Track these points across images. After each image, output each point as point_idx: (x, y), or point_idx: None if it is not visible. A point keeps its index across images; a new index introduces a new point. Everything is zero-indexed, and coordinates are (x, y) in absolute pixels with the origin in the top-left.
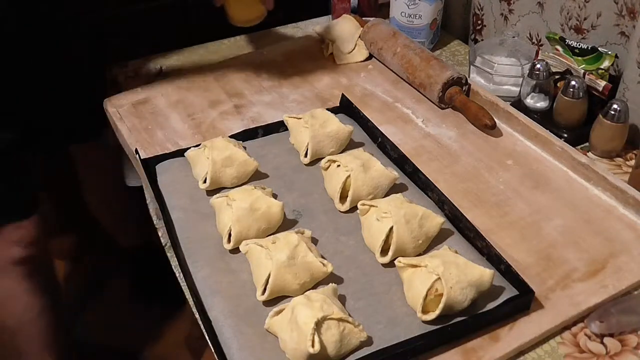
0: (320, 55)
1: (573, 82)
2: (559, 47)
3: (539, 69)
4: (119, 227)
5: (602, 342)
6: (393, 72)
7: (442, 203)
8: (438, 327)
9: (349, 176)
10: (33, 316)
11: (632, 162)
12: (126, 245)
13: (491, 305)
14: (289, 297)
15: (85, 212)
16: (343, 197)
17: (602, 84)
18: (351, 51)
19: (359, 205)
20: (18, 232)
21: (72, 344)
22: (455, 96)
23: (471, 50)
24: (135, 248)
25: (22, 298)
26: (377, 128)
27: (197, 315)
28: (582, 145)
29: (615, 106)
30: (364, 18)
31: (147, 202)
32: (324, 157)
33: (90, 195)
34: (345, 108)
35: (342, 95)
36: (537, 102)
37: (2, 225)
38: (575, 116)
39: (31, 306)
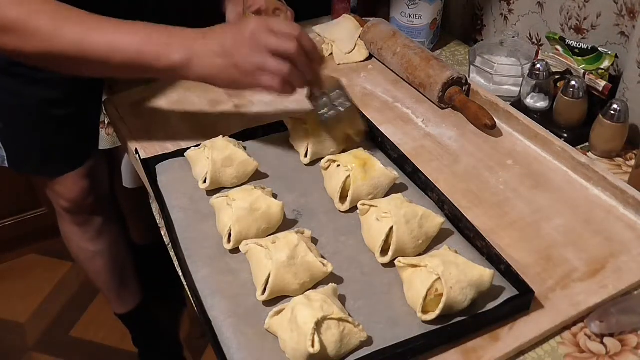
0: None
1: (573, 82)
2: (559, 47)
3: (539, 69)
4: (134, 221)
5: (602, 342)
6: (393, 72)
7: (442, 203)
8: (438, 327)
9: (348, 176)
10: (87, 258)
11: (632, 162)
12: (138, 241)
13: (491, 305)
14: (289, 297)
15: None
16: (343, 197)
17: (602, 84)
18: (351, 51)
19: (359, 205)
20: (60, 187)
21: (132, 288)
22: (455, 96)
23: (471, 50)
24: (146, 245)
25: (76, 241)
26: (377, 128)
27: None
28: (582, 145)
29: (615, 106)
30: (364, 18)
31: (150, 201)
32: (324, 157)
33: (118, 185)
34: None
35: None
36: (537, 102)
37: (48, 178)
38: (575, 116)
39: (83, 250)
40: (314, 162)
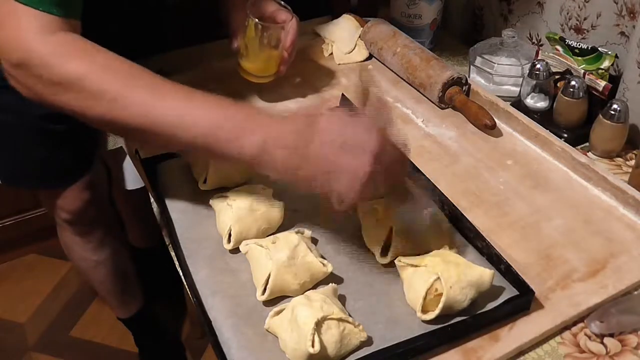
0: (320, 55)
1: (573, 82)
2: (559, 47)
3: (539, 69)
4: (133, 225)
5: (602, 342)
6: (393, 72)
7: (442, 203)
8: (438, 327)
9: None
10: (89, 267)
11: (632, 162)
12: (137, 244)
13: (491, 305)
14: (289, 297)
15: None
16: None
17: (602, 84)
18: (351, 51)
19: (359, 206)
20: (61, 200)
21: (134, 293)
22: (455, 96)
23: (471, 50)
24: (145, 248)
25: (77, 251)
26: None
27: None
28: (582, 145)
29: (615, 106)
30: (364, 18)
31: (151, 202)
32: None
33: (116, 189)
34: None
35: (342, 95)
36: (537, 102)
37: (46, 190)
38: (575, 116)
39: (85, 260)
40: None
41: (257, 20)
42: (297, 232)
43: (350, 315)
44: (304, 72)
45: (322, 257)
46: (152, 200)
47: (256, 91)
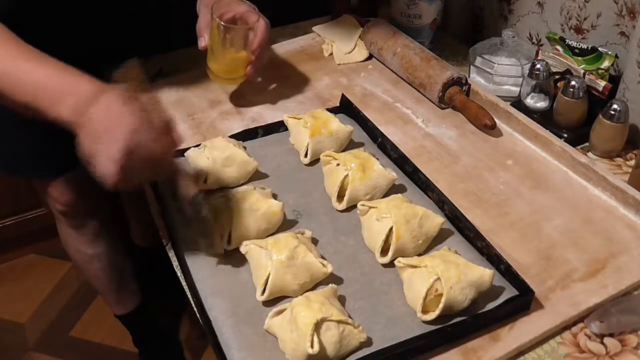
0: (320, 55)
1: (573, 82)
2: (559, 47)
3: (539, 69)
4: (136, 224)
5: (602, 342)
6: (393, 72)
7: (442, 203)
8: (438, 327)
9: (347, 175)
10: (84, 261)
11: (632, 162)
12: (140, 243)
13: (491, 305)
14: (288, 297)
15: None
16: (341, 196)
17: (602, 84)
18: (351, 51)
19: (359, 206)
20: (54, 191)
21: (131, 290)
22: (455, 96)
23: (471, 50)
24: (146, 247)
25: (73, 244)
26: (377, 128)
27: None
28: (582, 145)
29: (615, 106)
30: (364, 18)
31: (149, 201)
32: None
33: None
34: (345, 108)
35: (342, 95)
36: (537, 102)
37: (36, 179)
38: (575, 116)
39: (80, 253)
40: (314, 162)
41: (219, 21)
42: (297, 233)
43: (350, 316)
44: (304, 72)
45: (322, 257)
46: (151, 200)
47: (255, 91)
